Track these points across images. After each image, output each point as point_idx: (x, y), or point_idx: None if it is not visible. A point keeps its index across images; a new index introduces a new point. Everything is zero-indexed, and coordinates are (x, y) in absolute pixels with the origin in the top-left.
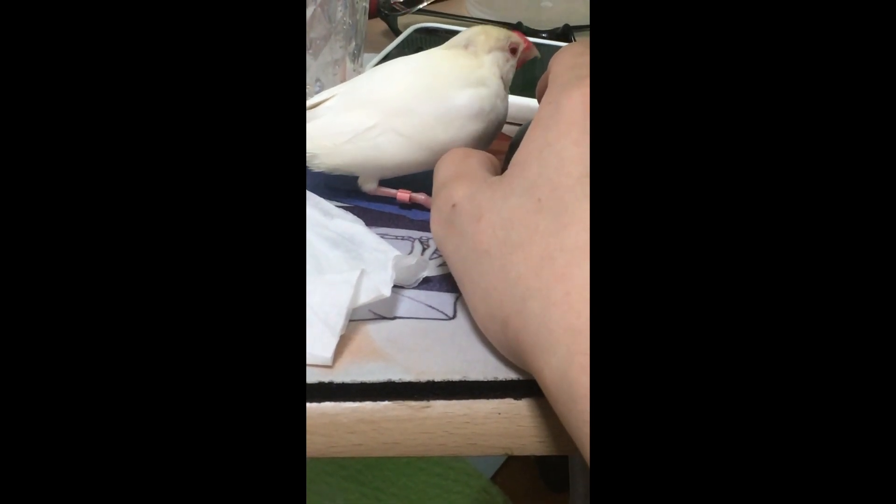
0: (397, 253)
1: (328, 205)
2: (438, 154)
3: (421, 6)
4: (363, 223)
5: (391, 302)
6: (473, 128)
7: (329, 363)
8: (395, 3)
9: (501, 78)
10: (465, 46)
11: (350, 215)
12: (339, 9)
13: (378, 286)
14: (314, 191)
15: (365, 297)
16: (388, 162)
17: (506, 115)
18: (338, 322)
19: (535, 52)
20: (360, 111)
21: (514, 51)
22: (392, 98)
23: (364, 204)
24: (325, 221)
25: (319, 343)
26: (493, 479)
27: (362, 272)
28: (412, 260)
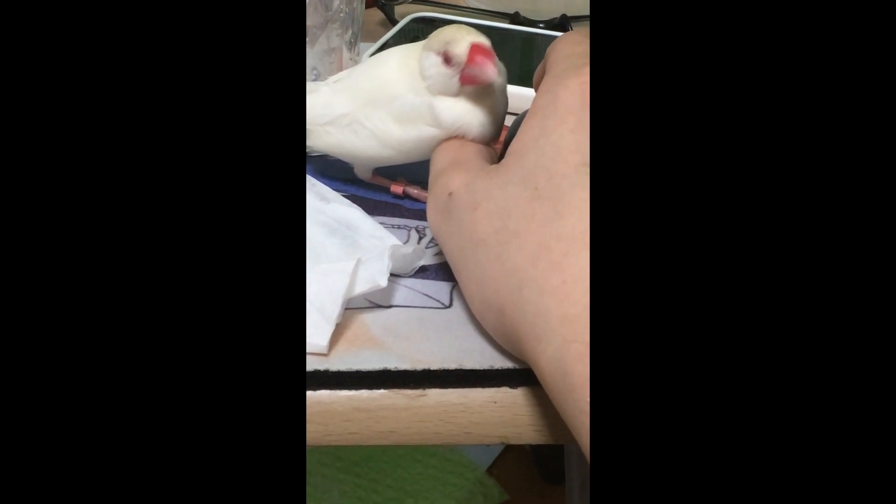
0: (394, 240)
1: (325, 188)
2: (404, 153)
3: None
4: (360, 208)
5: (387, 290)
6: (434, 131)
7: (325, 351)
8: None
9: (426, 84)
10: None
11: (346, 200)
12: None
13: (374, 276)
14: (311, 177)
15: (361, 287)
16: (359, 153)
17: (474, 124)
18: (333, 310)
19: (487, 76)
20: (342, 96)
21: (447, 59)
22: (363, 89)
23: (360, 192)
24: (321, 207)
25: (315, 331)
26: (489, 470)
27: (358, 261)
28: (409, 249)
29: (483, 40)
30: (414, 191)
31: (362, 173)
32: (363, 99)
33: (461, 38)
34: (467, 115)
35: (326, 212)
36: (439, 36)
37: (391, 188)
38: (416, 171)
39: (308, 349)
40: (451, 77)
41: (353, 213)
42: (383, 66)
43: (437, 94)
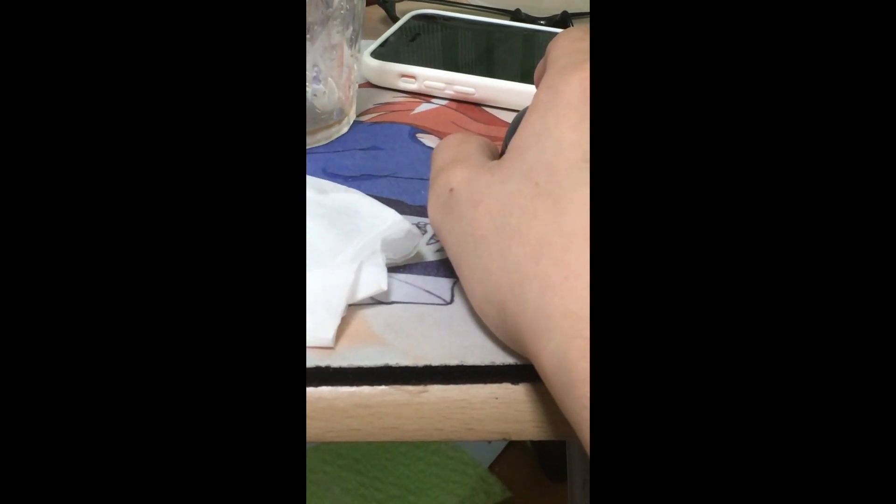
0: (394, 216)
1: (322, 182)
2: None
3: None
4: (359, 192)
5: (388, 287)
6: None
7: (331, 344)
8: None
9: None
10: None
11: (344, 187)
12: None
13: (377, 280)
14: (313, 176)
15: (364, 292)
16: None
17: None
18: (339, 305)
19: None
20: None
21: None
22: None
23: (363, 189)
24: (320, 199)
25: (320, 325)
26: (491, 468)
27: (361, 264)
28: (400, 233)
29: None
30: None
31: None
32: None
33: None
34: None
35: (326, 203)
36: None
37: None
38: (407, 174)
39: (313, 343)
40: None
41: (351, 198)
42: None
43: None
